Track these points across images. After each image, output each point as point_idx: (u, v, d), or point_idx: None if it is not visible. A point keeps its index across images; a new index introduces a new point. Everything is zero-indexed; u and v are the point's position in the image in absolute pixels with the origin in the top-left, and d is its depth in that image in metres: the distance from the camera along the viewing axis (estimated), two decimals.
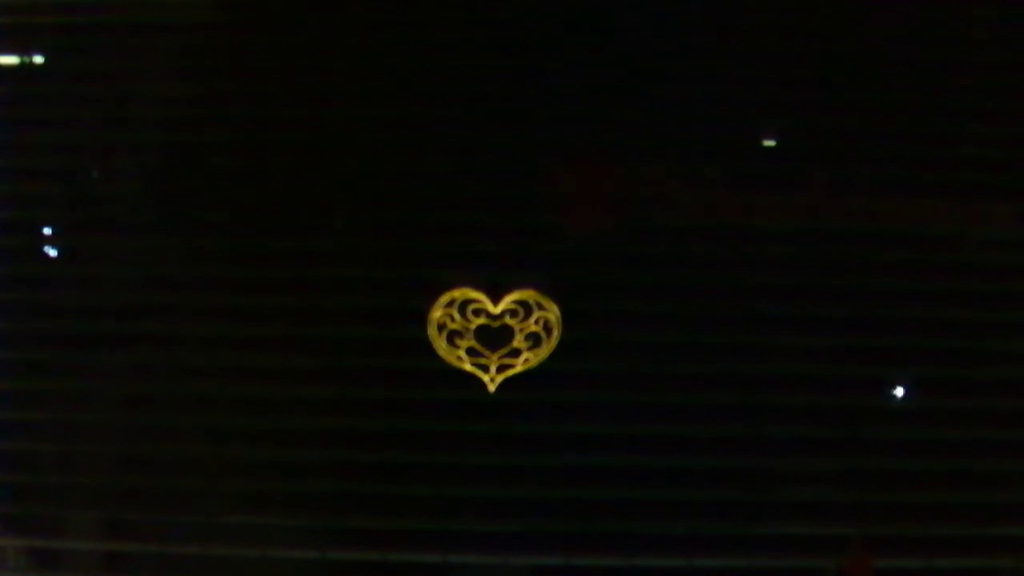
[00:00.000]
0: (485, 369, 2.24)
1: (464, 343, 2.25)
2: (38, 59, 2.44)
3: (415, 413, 2.27)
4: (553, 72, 2.37)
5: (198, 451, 2.28)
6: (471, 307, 2.26)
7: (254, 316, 2.31)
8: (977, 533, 2.22)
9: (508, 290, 2.27)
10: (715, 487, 2.24)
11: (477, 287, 2.27)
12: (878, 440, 2.27)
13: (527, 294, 2.25)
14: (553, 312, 2.25)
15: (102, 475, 2.30)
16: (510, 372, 2.24)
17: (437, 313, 2.22)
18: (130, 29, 2.41)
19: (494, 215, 2.31)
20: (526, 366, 2.24)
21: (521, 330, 2.25)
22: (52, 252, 2.40)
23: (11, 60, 2.43)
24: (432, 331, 2.22)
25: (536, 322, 2.26)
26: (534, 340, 2.26)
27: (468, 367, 2.23)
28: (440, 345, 2.23)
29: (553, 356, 2.26)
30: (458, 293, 2.22)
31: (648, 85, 2.36)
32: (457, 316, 2.25)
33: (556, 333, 2.25)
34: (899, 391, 2.29)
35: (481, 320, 2.26)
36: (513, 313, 2.26)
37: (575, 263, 2.30)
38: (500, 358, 2.25)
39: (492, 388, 2.23)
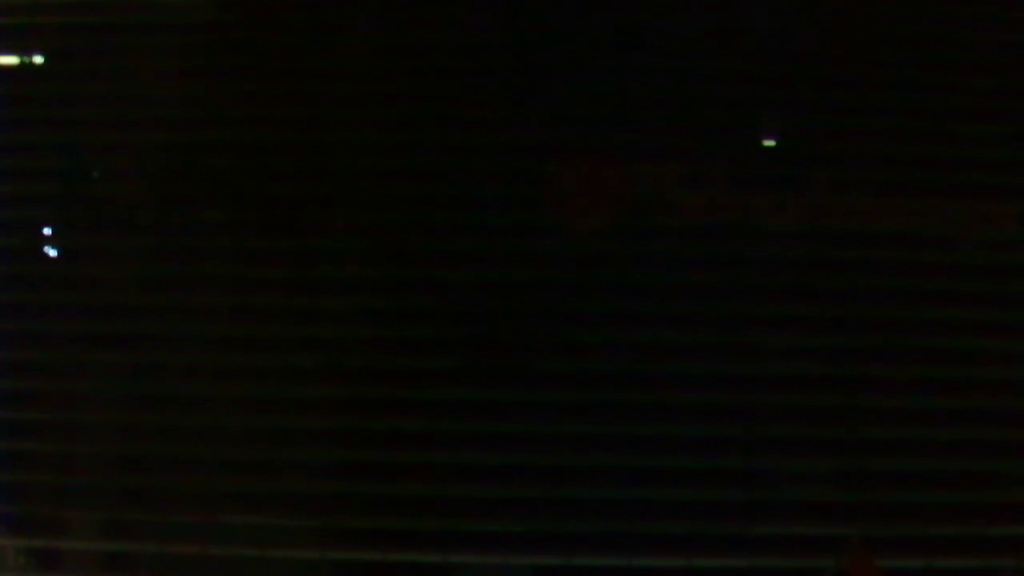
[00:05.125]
0: None
1: None
2: (38, 59, 2.44)
3: (415, 413, 2.27)
4: (553, 73, 2.37)
5: (198, 451, 2.28)
6: None
7: (254, 316, 2.31)
8: (977, 533, 2.22)
9: None
10: (715, 487, 2.24)
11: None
12: (878, 440, 2.27)
13: None
14: None
15: (102, 475, 2.30)
16: None
17: None
18: (130, 29, 2.41)
19: (494, 215, 2.31)
20: None
21: None
22: (52, 252, 2.40)
23: (11, 60, 2.43)
24: None
25: None
26: None
27: None
28: None
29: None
30: None
31: (649, 85, 2.36)
32: None
33: None
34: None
35: None
36: None
37: (575, 263, 2.31)
38: None
39: None
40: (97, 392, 2.32)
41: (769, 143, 2.40)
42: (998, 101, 2.37)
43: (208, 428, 2.29)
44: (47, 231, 2.40)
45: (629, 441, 2.24)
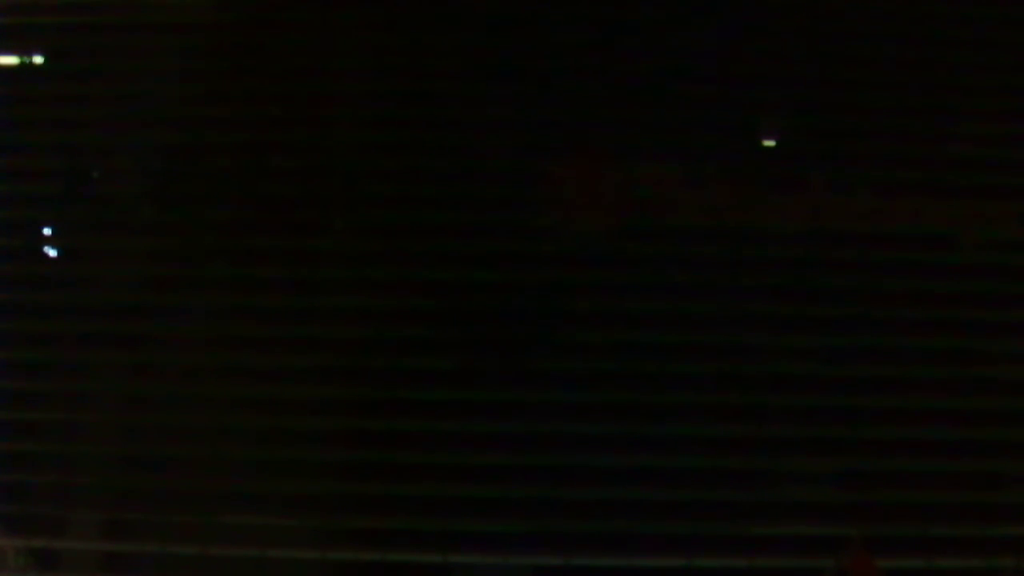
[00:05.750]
0: None
1: None
2: (38, 59, 2.44)
3: (415, 413, 2.26)
4: (553, 72, 2.37)
5: (198, 451, 2.28)
6: None
7: (254, 316, 2.31)
8: (977, 533, 2.22)
9: None
10: (715, 487, 2.24)
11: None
12: (878, 440, 2.26)
13: None
14: None
15: (102, 475, 2.30)
16: None
17: None
18: (130, 29, 2.41)
19: (494, 215, 2.31)
20: None
21: None
22: (52, 252, 2.40)
23: (11, 60, 2.43)
24: None
25: None
26: None
27: None
28: None
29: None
30: None
31: (648, 85, 2.36)
32: None
33: None
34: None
35: None
36: None
37: (575, 263, 2.31)
38: None
39: None
40: (97, 392, 2.32)
41: (769, 143, 2.40)
42: (998, 101, 2.36)
43: (208, 428, 2.29)
44: (47, 231, 2.40)
45: (629, 441, 2.24)
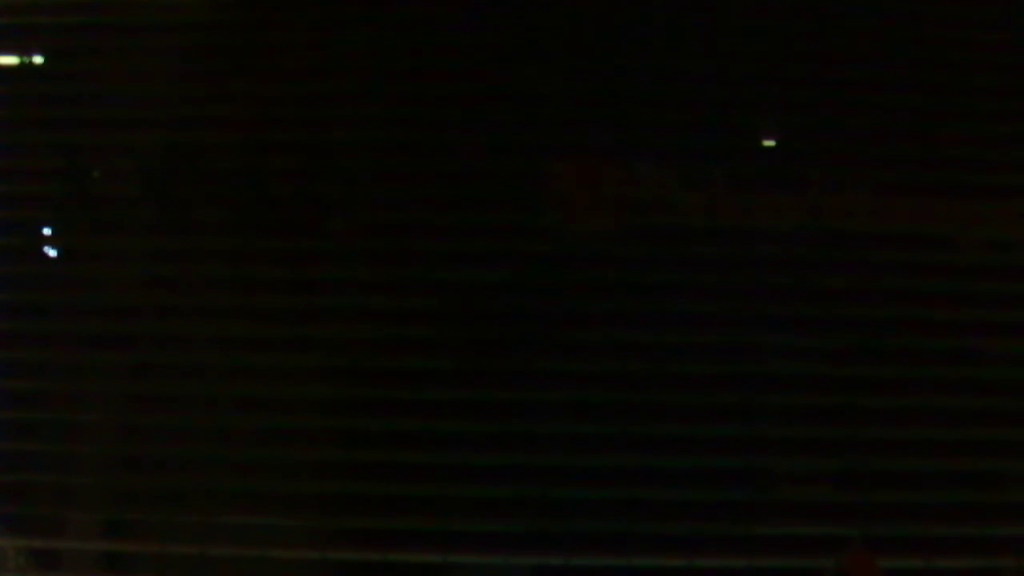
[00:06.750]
0: None
1: None
2: (38, 59, 2.45)
3: (415, 413, 2.27)
4: (553, 73, 2.37)
5: (198, 451, 2.28)
6: None
7: (254, 316, 2.31)
8: (977, 533, 2.22)
9: None
10: (715, 487, 2.24)
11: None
12: (878, 440, 2.27)
13: None
14: None
15: (102, 475, 2.30)
16: None
17: None
18: (130, 29, 2.41)
19: (494, 215, 2.31)
20: None
21: None
22: (52, 252, 2.40)
23: (11, 60, 2.44)
24: None
25: None
26: None
27: None
28: None
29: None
30: None
31: (648, 85, 2.36)
32: None
33: None
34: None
35: None
36: None
37: (575, 263, 2.31)
38: None
39: None
40: (97, 392, 2.32)
41: (769, 143, 2.41)
42: (998, 101, 2.37)
43: (208, 428, 2.29)
44: (47, 231, 2.40)
45: (629, 441, 2.24)
